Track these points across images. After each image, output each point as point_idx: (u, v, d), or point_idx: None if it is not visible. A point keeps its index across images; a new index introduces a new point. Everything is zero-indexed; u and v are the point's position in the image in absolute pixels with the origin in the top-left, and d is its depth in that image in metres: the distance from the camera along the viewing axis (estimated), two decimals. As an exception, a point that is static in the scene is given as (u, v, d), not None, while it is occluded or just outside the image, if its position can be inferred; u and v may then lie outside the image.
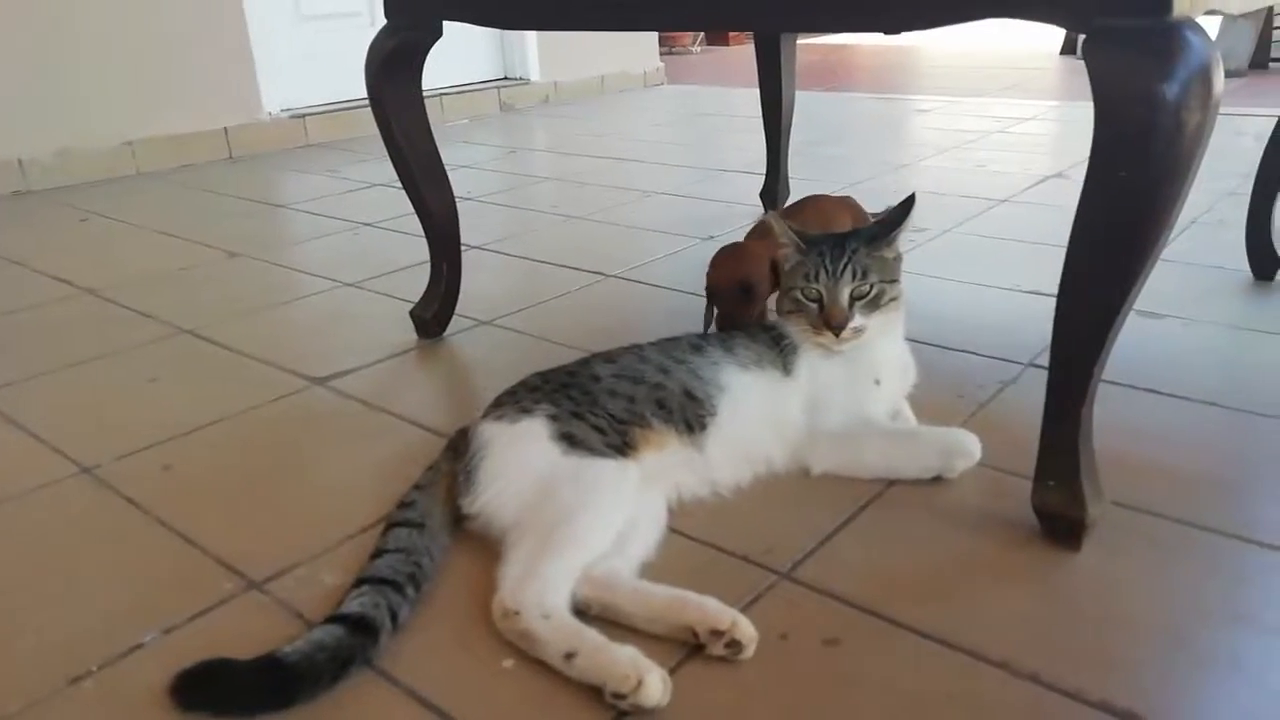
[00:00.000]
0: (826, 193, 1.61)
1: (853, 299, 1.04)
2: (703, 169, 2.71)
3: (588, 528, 0.87)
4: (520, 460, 0.93)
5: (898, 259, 1.08)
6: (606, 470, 0.92)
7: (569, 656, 0.78)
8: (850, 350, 1.06)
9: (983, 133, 3.06)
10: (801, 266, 1.08)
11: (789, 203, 1.83)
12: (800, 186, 2.27)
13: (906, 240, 1.08)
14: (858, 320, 1.05)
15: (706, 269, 1.29)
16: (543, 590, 0.82)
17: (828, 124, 3.43)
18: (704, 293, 1.30)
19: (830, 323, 1.04)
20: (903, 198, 1.08)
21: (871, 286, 1.05)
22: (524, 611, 0.81)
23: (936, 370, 1.31)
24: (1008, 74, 4.43)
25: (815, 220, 1.44)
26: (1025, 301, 1.57)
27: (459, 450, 0.98)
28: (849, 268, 1.04)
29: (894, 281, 1.07)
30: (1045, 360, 0.90)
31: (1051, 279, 0.87)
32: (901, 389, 1.13)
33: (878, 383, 1.07)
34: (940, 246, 1.89)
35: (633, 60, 4.51)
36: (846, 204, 1.55)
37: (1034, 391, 0.96)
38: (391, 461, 1.14)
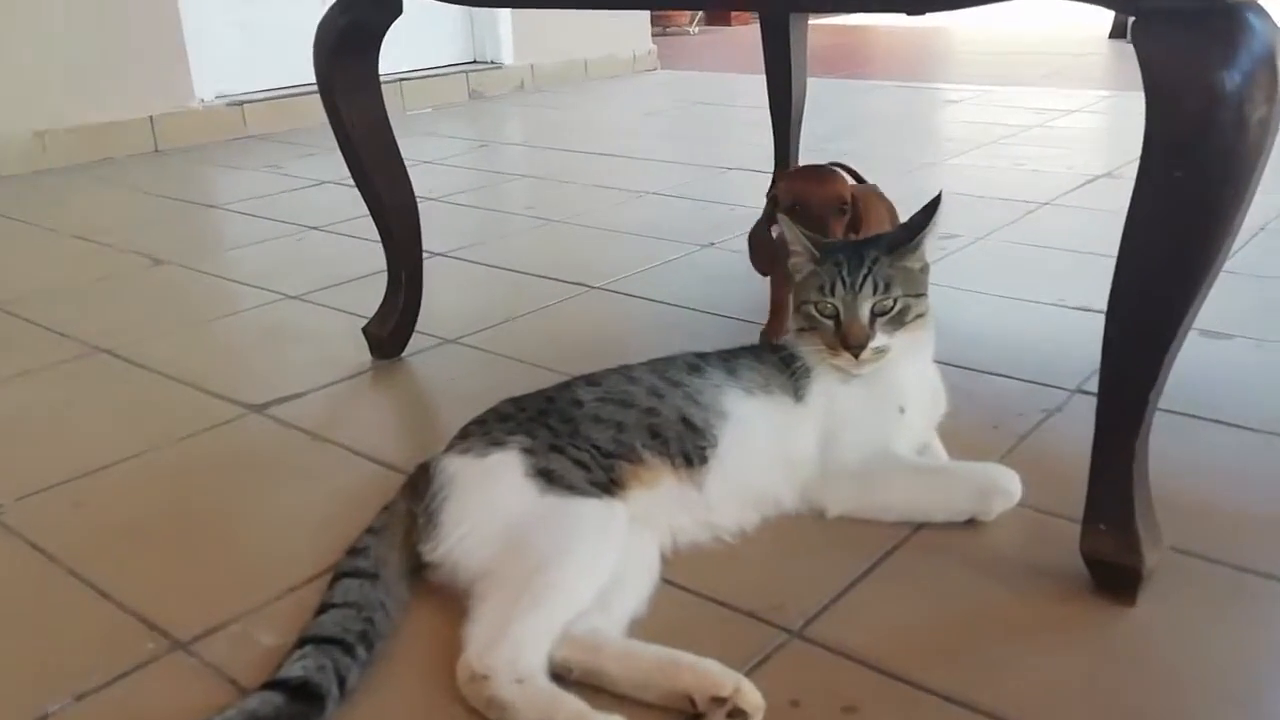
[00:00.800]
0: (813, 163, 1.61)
1: (874, 315, 1.05)
2: (701, 166, 2.73)
3: (568, 579, 0.86)
4: (490, 500, 0.93)
5: (924, 270, 1.09)
6: (590, 511, 0.92)
7: None
8: (871, 374, 1.07)
9: (1021, 127, 3.09)
10: (815, 278, 1.08)
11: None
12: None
13: (934, 248, 1.09)
14: (879, 339, 1.05)
15: (778, 186, 1.36)
16: (516, 651, 0.81)
17: (843, 116, 3.46)
18: (769, 214, 1.37)
19: (848, 342, 1.05)
20: (929, 199, 1.09)
21: (895, 301, 1.06)
22: (494, 676, 0.80)
23: (970, 397, 1.31)
24: (1049, 60, 4.49)
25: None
26: (1071, 318, 1.58)
27: (419, 489, 0.98)
28: (869, 279, 1.05)
29: (920, 295, 1.08)
30: (1094, 385, 0.91)
31: (1100, 293, 0.87)
32: (930, 419, 1.14)
33: (902, 411, 1.08)
34: (973, 256, 1.91)
35: (621, 42, 4.55)
36: (835, 178, 1.53)
37: (1081, 421, 0.96)
38: (340, 501, 1.14)
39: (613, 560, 0.90)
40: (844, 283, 1.06)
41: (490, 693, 0.80)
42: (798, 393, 1.07)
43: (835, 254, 1.08)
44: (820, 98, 3.35)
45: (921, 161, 2.70)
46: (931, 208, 1.08)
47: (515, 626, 0.83)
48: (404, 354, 1.54)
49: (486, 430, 1.01)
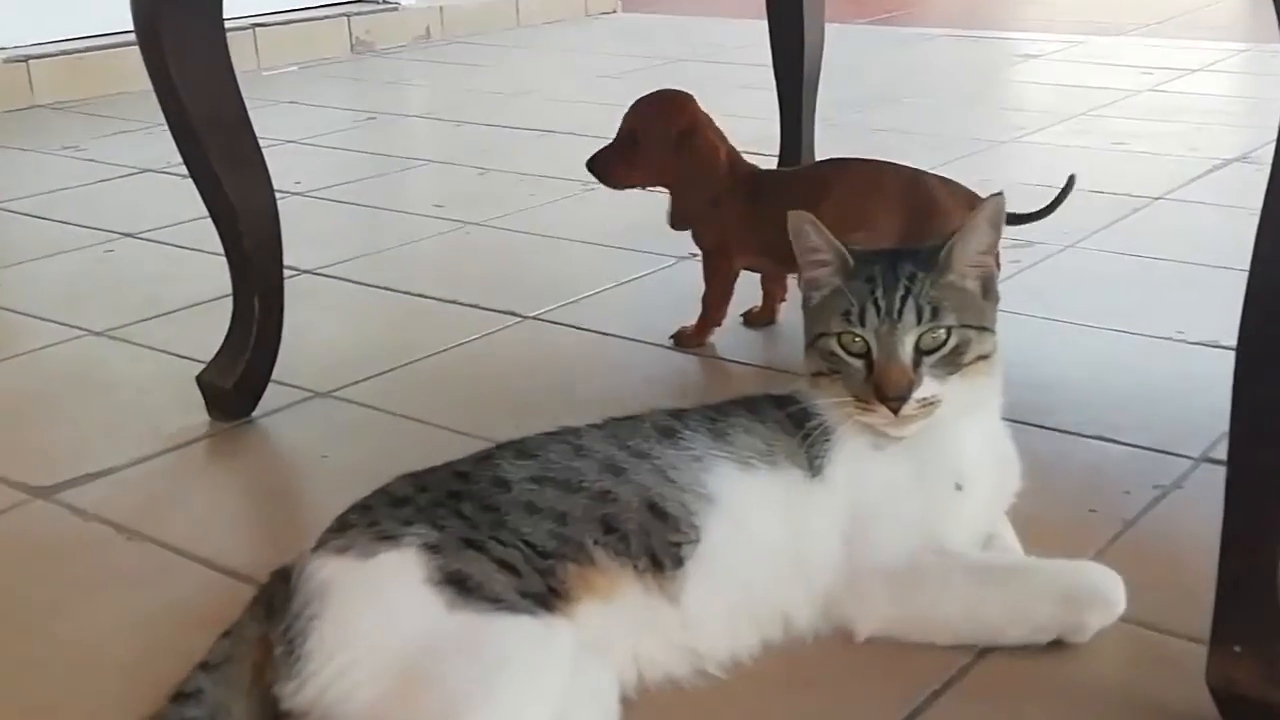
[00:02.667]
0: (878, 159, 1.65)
1: (919, 353, 1.06)
2: (679, 147, 2.75)
3: None
4: (378, 619, 0.93)
5: (990, 297, 1.10)
6: (521, 634, 0.92)
7: None
8: (917, 437, 1.08)
9: (1125, 91, 3.15)
10: (837, 301, 1.09)
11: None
12: (835, 175, 2.31)
13: (1005, 261, 1.10)
14: (927, 387, 1.06)
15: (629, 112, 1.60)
16: None
17: (878, 77, 3.50)
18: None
19: (885, 391, 1.05)
20: (992, 189, 1.10)
21: (948, 332, 1.07)
22: None
23: (1057, 469, 1.32)
24: (1165, 2, 4.57)
25: (861, 211, 1.49)
26: (1194, 358, 1.60)
27: (276, 605, 0.97)
28: (909, 302, 1.06)
29: (983, 329, 1.09)
30: (1225, 452, 0.92)
31: (1234, 322, 0.89)
32: (998, 499, 1.15)
33: (960, 489, 1.09)
34: (1059, 270, 1.94)
35: (567, -27, 4.59)
36: (931, 186, 1.56)
37: (1209, 502, 0.97)
38: (162, 624, 1.12)
39: (553, 703, 0.89)
40: (878, 307, 1.06)
41: None
42: (813, 464, 1.08)
43: (869, 266, 1.09)
44: (845, 51, 3.39)
45: (988, 139, 2.74)
46: (992, 210, 1.09)
47: None
48: (255, 413, 1.54)
49: (373, 520, 1.00)
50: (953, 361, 1.07)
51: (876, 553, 1.05)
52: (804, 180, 1.69)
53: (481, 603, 0.93)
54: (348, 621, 0.93)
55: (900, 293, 1.06)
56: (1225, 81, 3.36)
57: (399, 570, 0.95)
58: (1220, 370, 0.93)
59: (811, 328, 1.12)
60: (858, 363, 1.07)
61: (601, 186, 1.67)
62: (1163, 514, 1.25)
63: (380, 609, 0.93)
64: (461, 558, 0.95)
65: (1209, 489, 1.21)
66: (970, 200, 1.56)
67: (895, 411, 1.05)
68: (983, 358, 1.09)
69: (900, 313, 1.06)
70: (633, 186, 1.67)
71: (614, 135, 1.65)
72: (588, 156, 1.64)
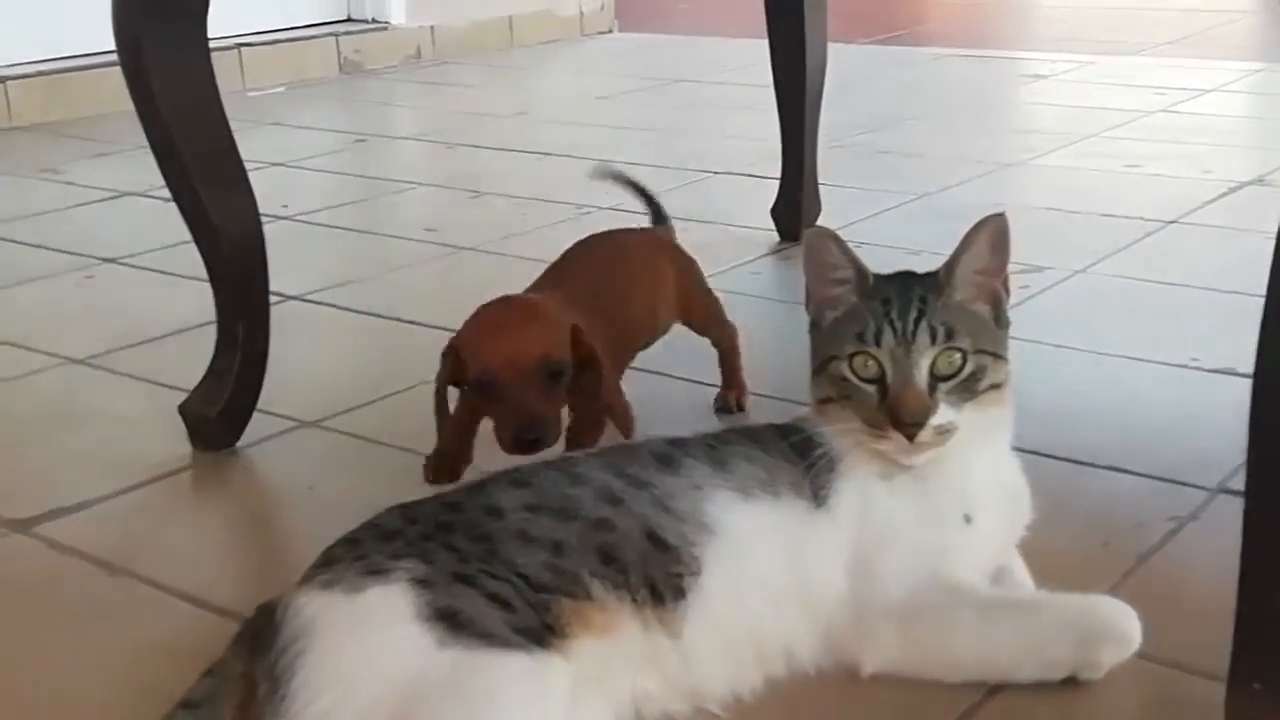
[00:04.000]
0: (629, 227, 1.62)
1: (935, 378, 1.06)
2: (677, 170, 2.76)
3: None
4: (367, 656, 0.93)
5: (1001, 323, 1.11)
6: (515, 671, 0.91)
7: None
8: (926, 468, 1.08)
9: (1136, 112, 3.16)
10: (851, 322, 1.09)
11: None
12: (838, 198, 2.32)
13: (1015, 286, 1.11)
14: (943, 414, 1.06)
15: (454, 339, 1.30)
16: None
17: (883, 98, 3.51)
18: (447, 378, 1.30)
19: (900, 416, 1.05)
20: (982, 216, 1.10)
21: (963, 357, 1.06)
22: None
23: (1070, 501, 1.32)
24: (1178, 20, 4.59)
25: (587, 282, 1.42)
26: (1210, 387, 1.60)
27: (261, 642, 0.97)
28: (923, 322, 1.06)
29: (997, 356, 1.09)
30: (1242, 483, 0.92)
31: (1250, 349, 0.89)
32: (1009, 532, 1.15)
33: (969, 521, 1.09)
34: (1069, 296, 1.94)
35: (562, -7, 4.61)
36: (656, 247, 1.54)
37: (1225, 535, 0.97)
38: (142, 660, 1.12)
39: None
40: (894, 328, 1.06)
41: None
42: (818, 495, 1.08)
43: (884, 287, 1.09)
44: (849, 71, 3.41)
45: (997, 160, 2.74)
46: (992, 230, 1.09)
47: None
48: (240, 443, 1.54)
49: (361, 553, 1.00)
50: (968, 389, 1.07)
51: (882, 586, 1.05)
52: (595, 273, 1.49)
53: (472, 639, 0.92)
54: (334, 659, 0.93)
55: (914, 314, 1.06)
56: (1240, 102, 3.37)
57: (387, 606, 0.95)
58: (1236, 398, 0.93)
59: (821, 350, 1.11)
60: (870, 388, 1.07)
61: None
62: (1178, 547, 1.25)
63: (367, 646, 0.93)
64: (451, 592, 0.95)
65: (1226, 521, 1.22)
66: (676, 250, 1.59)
67: (911, 438, 1.05)
68: (995, 386, 1.09)
69: (914, 334, 1.06)
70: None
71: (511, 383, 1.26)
72: (518, 430, 1.24)
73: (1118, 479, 1.39)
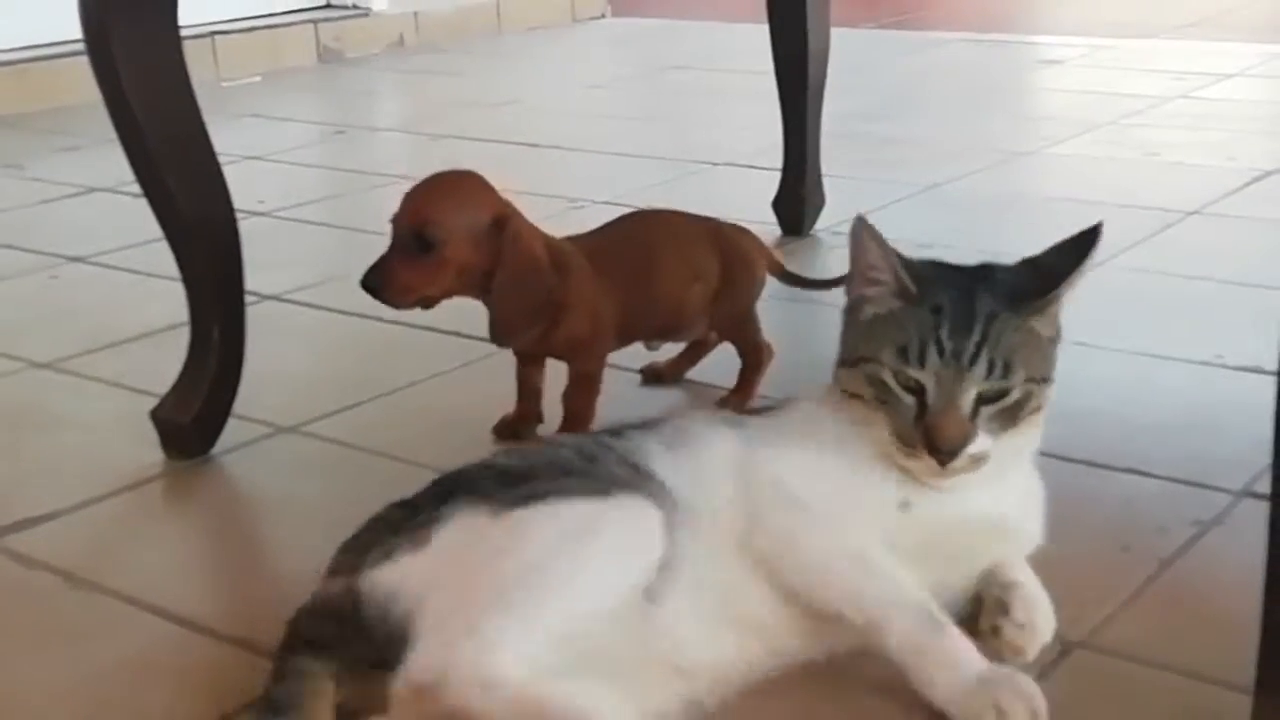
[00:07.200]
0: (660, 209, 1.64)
1: (979, 402, 1.04)
2: (674, 161, 2.77)
3: (578, 573, 0.96)
4: (471, 565, 0.97)
5: (1056, 340, 1.09)
6: (604, 506, 1.00)
7: None
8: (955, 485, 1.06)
9: (1155, 98, 3.16)
10: (894, 325, 1.06)
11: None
12: (842, 190, 2.33)
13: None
14: (981, 442, 1.04)
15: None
16: (487, 649, 0.90)
17: (889, 85, 3.52)
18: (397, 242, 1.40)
19: (937, 442, 1.03)
20: (1083, 229, 1.08)
21: (1016, 388, 1.04)
22: (451, 683, 0.87)
23: (1087, 505, 1.32)
24: (1197, 2, 4.60)
25: (620, 264, 1.48)
26: (1234, 385, 1.61)
27: (346, 628, 0.98)
28: (984, 350, 1.03)
29: (1049, 380, 1.07)
30: (1268, 486, 0.92)
31: (1276, 345, 0.90)
32: (978, 561, 1.12)
33: (905, 507, 1.07)
34: (1086, 291, 1.91)
35: (553, -24, 4.61)
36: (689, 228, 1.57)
37: (1250, 539, 0.97)
38: (113, 678, 1.12)
39: (648, 562, 0.98)
40: (941, 349, 1.03)
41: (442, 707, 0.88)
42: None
43: (937, 292, 1.06)
44: (852, 58, 3.39)
45: (1010, 150, 2.75)
46: (1084, 243, 1.08)
47: (490, 622, 0.92)
48: (214, 450, 1.53)
49: (394, 529, 1.04)
50: (1012, 416, 1.05)
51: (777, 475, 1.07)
52: (630, 240, 1.55)
53: (557, 495, 1.01)
54: (444, 591, 0.96)
55: (976, 337, 1.03)
56: (1263, 87, 3.37)
57: (463, 531, 1.00)
58: (1262, 397, 0.93)
59: (856, 345, 1.09)
60: (910, 399, 1.05)
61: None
62: (1201, 552, 1.25)
63: (468, 560, 0.97)
64: (513, 492, 1.02)
65: (1251, 525, 1.23)
66: (763, 249, 1.61)
67: (943, 464, 1.04)
68: (1037, 410, 1.07)
69: (972, 360, 1.03)
70: (429, 302, 1.40)
71: (391, 238, 1.39)
72: (362, 274, 1.37)
73: (1138, 482, 1.39)
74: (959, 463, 1.04)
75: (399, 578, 0.99)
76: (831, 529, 1.05)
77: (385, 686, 0.95)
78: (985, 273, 1.10)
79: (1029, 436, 1.09)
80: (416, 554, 1.00)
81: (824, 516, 1.05)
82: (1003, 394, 1.04)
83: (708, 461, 1.09)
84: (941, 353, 1.03)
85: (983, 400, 1.04)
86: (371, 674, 0.96)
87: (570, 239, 1.49)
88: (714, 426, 1.12)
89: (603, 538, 0.98)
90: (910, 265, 1.08)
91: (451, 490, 1.06)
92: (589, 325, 1.44)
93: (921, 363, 1.04)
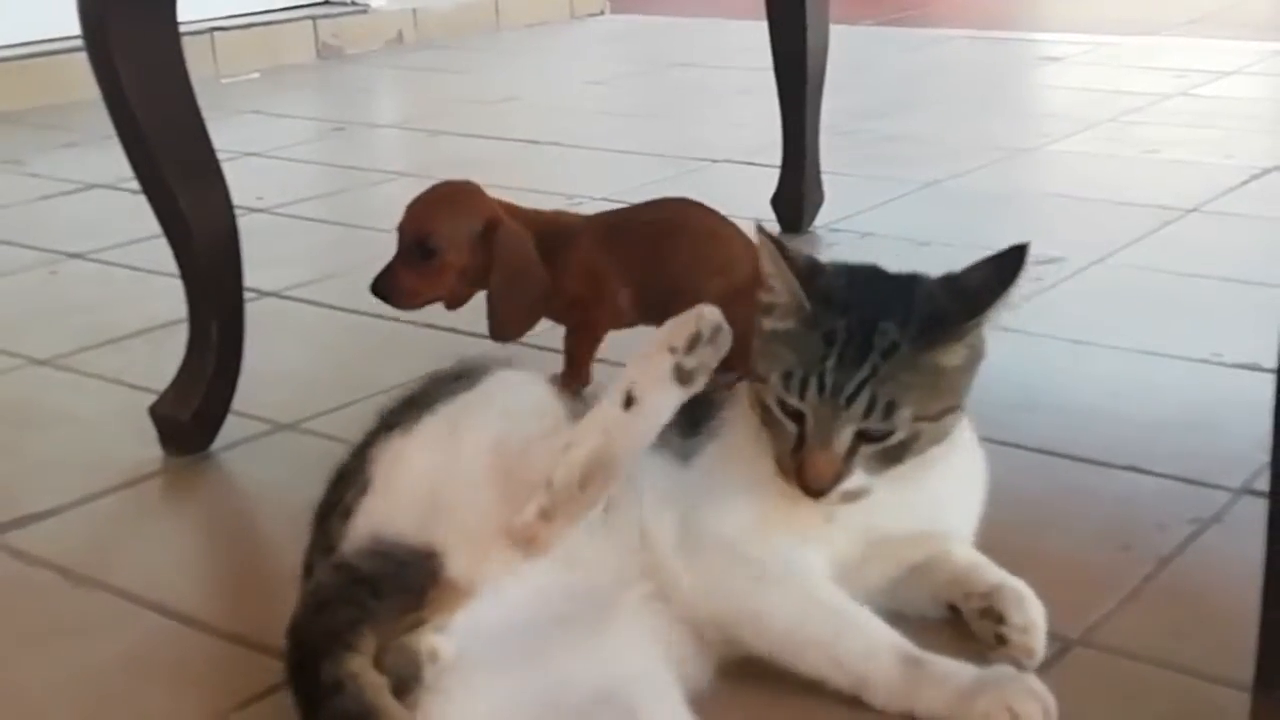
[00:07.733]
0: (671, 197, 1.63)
1: (859, 438, 1.01)
2: (674, 158, 2.77)
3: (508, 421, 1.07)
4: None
5: (973, 361, 1.05)
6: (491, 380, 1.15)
7: None
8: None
9: (1154, 96, 3.16)
10: (786, 345, 1.03)
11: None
12: (842, 187, 2.32)
13: (1029, 277, 1.08)
14: (857, 479, 1.02)
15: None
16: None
17: (889, 82, 3.51)
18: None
19: (805, 480, 1.01)
20: (1005, 249, 1.04)
21: (898, 429, 1.01)
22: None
23: (1084, 503, 1.33)
24: (1197, -2, 4.59)
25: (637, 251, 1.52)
26: (1233, 382, 1.61)
27: (353, 597, 0.97)
28: (867, 389, 0.99)
29: (950, 410, 1.04)
30: (1266, 484, 0.92)
31: (1275, 343, 0.90)
32: (945, 539, 1.12)
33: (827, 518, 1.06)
34: (1085, 288, 1.94)
35: (552, -26, 4.60)
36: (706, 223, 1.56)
37: (1249, 537, 0.97)
38: (112, 675, 1.12)
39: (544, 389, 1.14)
40: (822, 385, 1.00)
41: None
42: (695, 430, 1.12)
43: (834, 317, 1.02)
44: (852, 54, 3.41)
45: (1009, 147, 2.75)
46: (1007, 265, 1.02)
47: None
48: (213, 447, 1.54)
49: (332, 508, 1.08)
50: (896, 455, 1.03)
51: (713, 514, 1.07)
52: (657, 221, 1.58)
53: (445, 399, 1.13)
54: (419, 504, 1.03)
55: (862, 374, 0.99)
56: (1263, 84, 3.37)
57: (391, 455, 1.07)
58: (1261, 395, 0.93)
59: (755, 361, 1.06)
60: (792, 426, 1.02)
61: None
62: (1200, 550, 1.25)
63: (418, 475, 1.05)
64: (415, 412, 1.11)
65: (1250, 522, 1.22)
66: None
67: (814, 499, 1.02)
68: (934, 442, 1.04)
69: (851, 399, 0.99)
70: (434, 301, 1.53)
71: (397, 246, 1.51)
72: (372, 280, 1.51)
73: (1137, 479, 1.39)
74: (830, 499, 1.02)
75: (378, 519, 1.02)
76: (780, 578, 1.03)
77: (419, 613, 0.97)
78: (904, 294, 1.05)
79: (927, 458, 1.05)
80: (373, 496, 1.04)
81: (766, 564, 1.04)
82: (886, 435, 1.01)
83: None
84: (822, 389, 1.00)
85: (864, 438, 1.01)
86: (401, 619, 0.96)
87: (599, 214, 1.63)
88: (650, 458, 1.08)
89: (497, 394, 1.11)
90: (817, 278, 1.05)
91: (358, 451, 1.10)
92: (583, 284, 1.52)
93: (801, 394, 1.01)
